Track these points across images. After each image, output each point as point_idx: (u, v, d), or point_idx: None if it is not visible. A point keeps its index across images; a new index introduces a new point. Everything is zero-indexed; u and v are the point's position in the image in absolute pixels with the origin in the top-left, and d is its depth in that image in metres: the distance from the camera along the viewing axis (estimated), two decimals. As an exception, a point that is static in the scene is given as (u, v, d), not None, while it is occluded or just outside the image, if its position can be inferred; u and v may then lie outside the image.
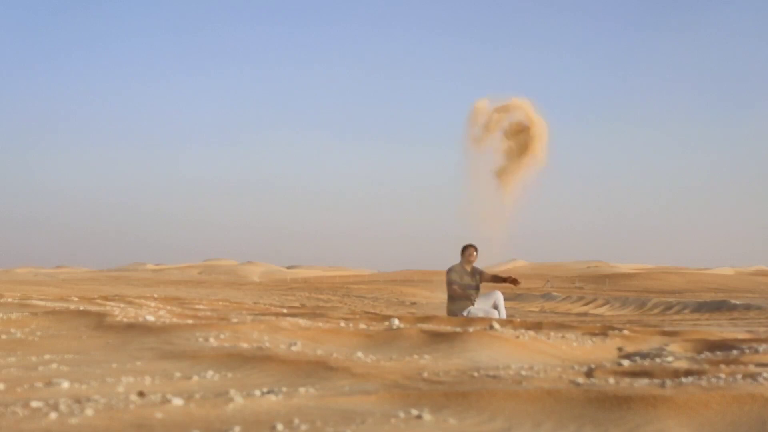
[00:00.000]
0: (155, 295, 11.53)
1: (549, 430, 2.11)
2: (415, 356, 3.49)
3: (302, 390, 2.49)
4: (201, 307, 7.07)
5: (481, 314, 8.87)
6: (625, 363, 3.37)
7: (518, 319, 5.85)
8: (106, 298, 8.22)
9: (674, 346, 4.09)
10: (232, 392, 2.41)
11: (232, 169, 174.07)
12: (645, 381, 2.76)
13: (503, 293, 9.56)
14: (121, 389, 2.53)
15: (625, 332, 4.69)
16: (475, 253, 9.31)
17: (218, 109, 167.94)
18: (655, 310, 24.81)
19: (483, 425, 2.13)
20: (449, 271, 9.23)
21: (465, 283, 9.16)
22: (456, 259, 9.37)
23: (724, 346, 4.10)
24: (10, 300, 6.39)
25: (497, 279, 9.49)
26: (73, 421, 2.00)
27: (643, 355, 3.75)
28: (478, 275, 9.27)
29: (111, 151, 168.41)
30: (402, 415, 2.17)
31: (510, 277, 9.55)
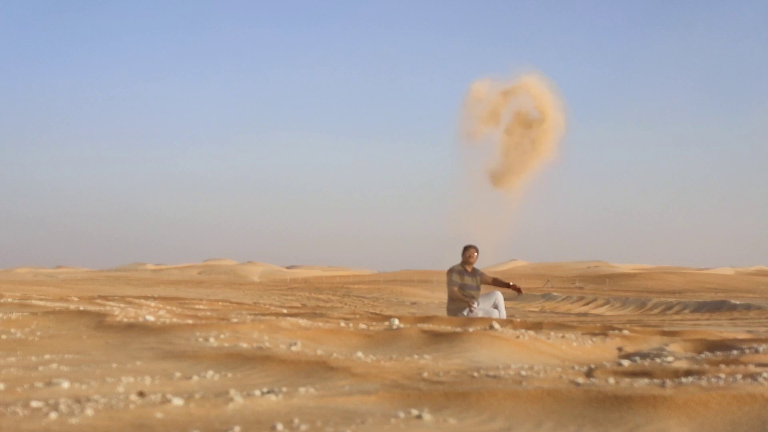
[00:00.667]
0: (155, 295, 11.53)
1: (549, 430, 2.11)
2: (415, 356, 3.49)
3: (302, 390, 2.48)
4: (201, 307, 7.07)
5: (481, 314, 8.87)
6: (625, 363, 3.36)
7: (518, 319, 5.85)
8: (106, 298, 8.22)
9: (674, 346, 4.09)
10: (232, 392, 2.41)
11: (232, 169, 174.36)
12: (645, 381, 2.76)
13: (503, 293, 9.55)
14: (121, 389, 2.53)
15: (625, 332, 4.69)
16: (475, 255, 9.29)
17: (218, 109, 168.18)
18: (655, 310, 24.82)
19: (483, 425, 2.13)
20: (450, 271, 9.22)
21: (465, 284, 9.16)
22: (456, 259, 9.37)
23: (724, 346, 4.10)
24: (10, 300, 6.39)
25: (499, 283, 9.46)
26: (73, 421, 2.00)
27: (643, 355, 3.75)
28: (478, 276, 9.26)
29: (111, 151, 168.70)
30: (402, 415, 2.17)
31: (515, 285, 9.51)
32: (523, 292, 9.32)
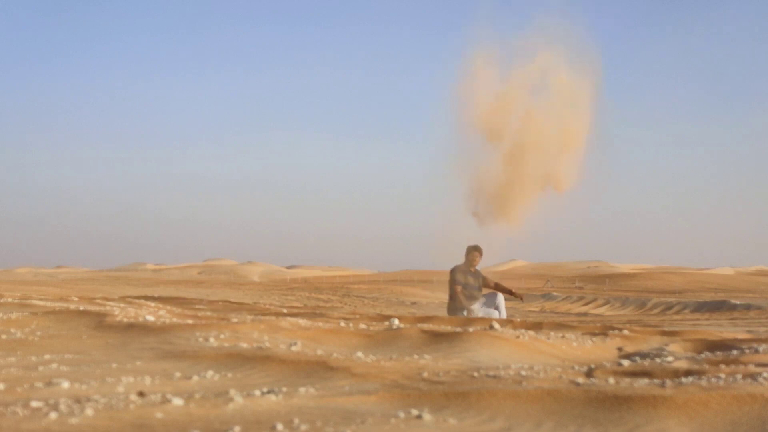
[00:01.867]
0: (155, 295, 11.53)
1: (549, 430, 2.11)
2: (415, 356, 3.49)
3: (302, 390, 2.48)
4: (201, 307, 7.07)
5: (481, 314, 8.88)
6: (625, 363, 3.36)
7: (518, 319, 5.85)
8: (106, 299, 8.22)
9: (674, 346, 4.09)
10: (232, 392, 2.41)
11: (232, 169, 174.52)
12: (645, 381, 2.76)
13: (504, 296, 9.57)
14: (121, 389, 2.53)
15: (625, 332, 4.68)
16: (479, 258, 9.30)
17: (218, 109, 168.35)
18: (655, 310, 24.83)
19: (483, 425, 2.13)
20: (453, 270, 9.22)
21: (469, 283, 9.18)
22: (456, 260, 9.38)
23: (724, 346, 4.10)
24: (10, 300, 6.39)
25: (501, 288, 9.46)
26: (73, 421, 2.00)
27: (643, 355, 3.75)
28: (481, 278, 9.27)
29: (111, 151, 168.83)
30: (402, 415, 2.17)
31: (517, 292, 9.51)
32: (523, 291, 9.35)
